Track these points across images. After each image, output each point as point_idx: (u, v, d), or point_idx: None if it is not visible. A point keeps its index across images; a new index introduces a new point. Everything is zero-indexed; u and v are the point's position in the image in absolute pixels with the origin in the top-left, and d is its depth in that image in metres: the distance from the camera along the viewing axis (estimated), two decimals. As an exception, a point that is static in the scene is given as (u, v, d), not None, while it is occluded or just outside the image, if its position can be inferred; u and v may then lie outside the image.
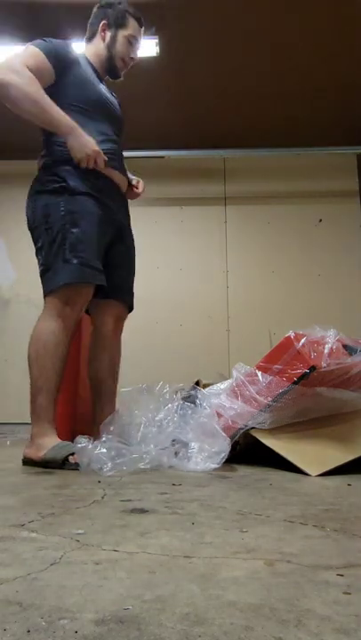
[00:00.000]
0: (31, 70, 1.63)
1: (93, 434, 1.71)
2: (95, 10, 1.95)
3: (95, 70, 1.89)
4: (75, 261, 1.63)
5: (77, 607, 0.52)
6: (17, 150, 3.98)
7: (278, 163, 4.04)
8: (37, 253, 1.73)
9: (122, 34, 1.89)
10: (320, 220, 3.98)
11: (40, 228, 1.69)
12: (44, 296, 1.69)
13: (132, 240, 1.98)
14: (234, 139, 3.82)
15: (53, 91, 1.70)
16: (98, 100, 1.81)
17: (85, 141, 1.67)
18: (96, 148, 1.69)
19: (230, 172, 4.09)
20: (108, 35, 1.89)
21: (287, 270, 3.90)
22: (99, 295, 1.82)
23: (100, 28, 1.90)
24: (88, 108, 1.77)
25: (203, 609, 0.51)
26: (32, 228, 1.74)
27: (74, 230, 1.65)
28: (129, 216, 1.97)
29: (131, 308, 1.97)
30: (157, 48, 2.85)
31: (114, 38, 1.89)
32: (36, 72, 1.65)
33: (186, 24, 2.81)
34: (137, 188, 2.01)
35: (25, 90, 1.60)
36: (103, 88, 1.89)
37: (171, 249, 3.96)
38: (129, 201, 2.01)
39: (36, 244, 1.73)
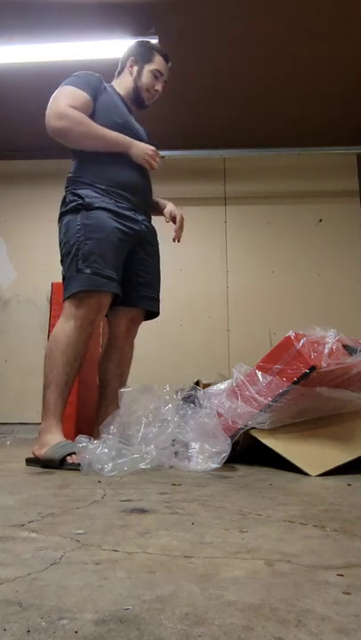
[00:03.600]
0: (77, 109, 1.81)
1: (95, 432, 1.72)
2: (127, 49, 2.11)
3: (123, 101, 2.03)
4: (87, 271, 1.75)
5: (77, 607, 0.52)
6: (19, 150, 3.99)
7: (278, 163, 4.04)
8: (62, 265, 1.86)
9: (148, 68, 2.04)
10: (320, 220, 3.98)
11: (62, 244, 1.85)
12: (62, 301, 1.82)
13: (157, 250, 2.08)
14: (234, 139, 3.82)
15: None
16: (124, 123, 1.94)
17: (143, 146, 1.89)
18: (151, 147, 1.90)
19: (230, 172, 4.09)
20: (135, 69, 2.05)
21: (287, 270, 3.90)
22: (134, 305, 1.96)
23: (128, 64, 2.06)
24: (114, 129, 1.89)
25: (203, 609, 0.51)
26: (59, 245, 1.87)
27: (87, 242, 1.77)
28: (153, 228, 2.05)
29: (154, 314, 2.05)
30: (157, 48, 2.85)
31: (140, 72, 2.04)
32: (81, 111, 1.83)
33: (186, 24, 2.81)
34: (174, 223, 2.09)
35: (78, 130, 1.80)
36: (132, 118, 2.03)
37: (171, 249, 3.95)
38: None
39: (61, 257, 1.86)
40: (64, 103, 1.81)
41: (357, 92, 3.37)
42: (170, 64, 2.10)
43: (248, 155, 3.98)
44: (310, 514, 0.95)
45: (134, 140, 1.89)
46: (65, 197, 1.89)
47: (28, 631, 0.46)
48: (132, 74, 2.05)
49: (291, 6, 2.67)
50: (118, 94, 2.02)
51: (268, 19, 2.76)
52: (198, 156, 3.98)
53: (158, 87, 2.07)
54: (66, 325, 1.74)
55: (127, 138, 1.88)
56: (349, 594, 0.56)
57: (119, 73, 2.10)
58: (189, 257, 3.94)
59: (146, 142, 2.01)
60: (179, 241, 2.06)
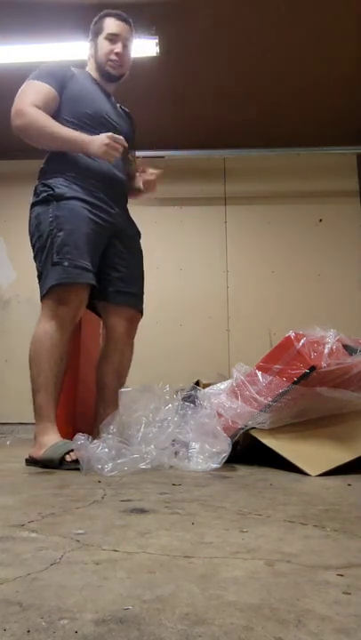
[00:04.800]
0: (40, 107, 1.75)
1: (94, 433, 1.71)
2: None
3: (100, 86, 1.95)
4: (64, 263, 1.69)
5: (77, 607, 0.52)
6: (18, 150, 3.98)
7: (278, 163, 4.04)
8: (34, 260, 1.80)
9: (101, 38, 1.94)
10: (320, 220, 3.98)
11: (34, 237, 1.78)
12: (40, 300, 1.75)
13: (138, 247, 2.04)
14: (234, 139, 3.82)
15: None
16: (94, 114, 1.86)
17: (99, 139, 1.73)
18: (108, 134, 1.73)
19: (230, 172, 4.09)
20: (92, 46, 1.97)
21: (287, 270, 3.90)
22: (101, 297, 1.89)
23: (89, 43, 1.98)
24: (82, 123, 1.82)
25: (203, 609, 0.51)
26: (30, 239, 1.82)
27: (60, 234, 1.71)
28: (132, 222, 2.01)
29: (137, 311, 2.00)
30: (157, 48, 2.84)
31: (95, 46, 1.96)
32: (45, 106, 1.77)
33: (186, 24, 2.81)
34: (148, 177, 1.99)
35: (35, 129, 1.73)
36: (107, 103, 1.94)
37: (171, 249, 3.95)
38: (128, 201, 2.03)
39: (33, 252, 1.80)
40: (26, 101, 1.76)
41: (358, 91, 3.37)
42: (130, 23, 1.94)
43: (248, 155, 3.98)
44: (310, 514, 0.95)
45: (90, 137, 1.74)
46: (36, 188, 1.82)
47: (28, 631, 0.46)
48: (92, 55, 1.97)
49: (290, 6, 2.67)
50: (93, 79, 1.95)
51: (268, 18, 2.76)
52: (198, 156, 3.98)
53: (118, 49, 1.90)
54: (48, 326, 1.69)
55: (83, 136, 1.74)
56: (349, 594, 0.56)
57: (89, 58, 2.02)
58: (189, 257, 3.94)
59: (121, 129, 1.90)
60: (150, 190, 2.00)
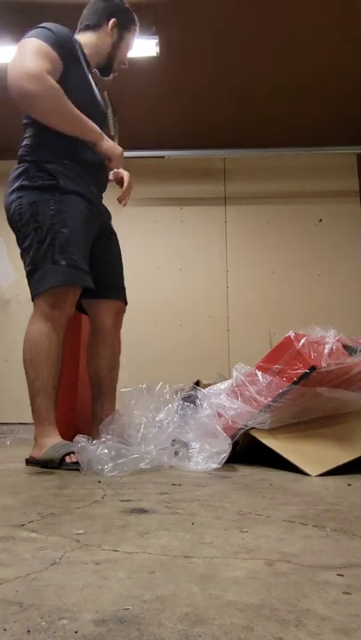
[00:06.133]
0: (49, 74, 1.54)
1: (93, 432, 1.71)
2: (104, 3, 1.86)
3: (86, 60, 1.79)
4: (64, 263, 1.60)
5: (77, 607, 0.52)
6: (17, 150, 3.98)
7: (278, 163, 4.04)
8: (24, 253, 1.68)
9: (127, 38, 1.87)
10: (320, 220, 3.98)
11: (28, 227, 1.63)
12: (33, 298, 1.67)
13: (117, 238, 1.96)
14: (234, 139, 3.82)
15: None
16: (91, 101, 1.78)
17: (112, 143, 1.72)
18: (120, 149, 1.74)
19: (230, 172, 4.09)
20: (116, 34, 1.84)
21: (287, 270, 3.90)
22: (91, 295, 1.81)
23: (110, 24, 1.82)
24: (83, 111, 1.70)
25: (203, 609, 0.51)
26: (18, 226, 1.67)
27: (63, 230, 1.61)
28: (110, 215, 1.95)
29: (125, 303, 1.97)
30: (157, 48, 2.85)
31: (120, 39, 1.85)
32: (53, 73, 1.56)
33: (186, 24, 2.81)
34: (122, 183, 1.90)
35: (50, 102, 1.55)
36: (93, 83, 1.83)
37: (171, 249, 3.95)
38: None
39: (22, 243, 1.68)
40: (41, 65, 1.52)
41: (358, 91, 3.37)
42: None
43: (248, 155, 3.98)
44: (310, 514, 0.95)
45: (103, 134, 1.71)
46: (26, 169, 1.65)
47: (28, 631, 0.46)
48: (111, 37, 1.82)
49: (291, 6, 2.67)
50: (88, 63, 1.77)
51: (268, 18, 2.76)
52: (198, 156, 3.98)
53: (127, 63, 1.88)
54: (44, 327, 1.62)
55: (97, 127, 1.69)
56: (349, 594, 0.56)
57: (92, 27, 1.83)
58: (189, 257, 3.94)
59: (104, 112, 1.89)
60: (124, 205, 1.87)
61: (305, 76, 3.22)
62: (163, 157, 3.88)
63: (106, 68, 1.89)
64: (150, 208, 3.95)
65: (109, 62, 1.87)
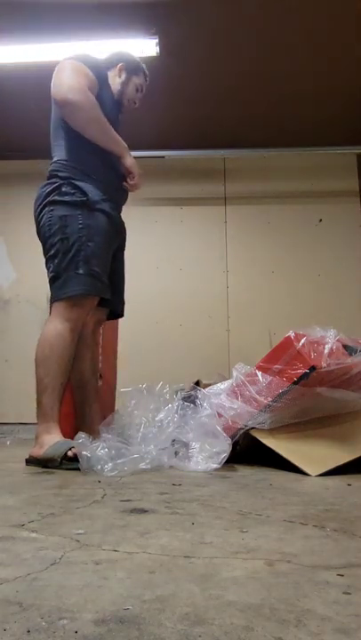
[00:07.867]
0: (89, 89, 1.76)
1: (87, 433, 1.73)
2: (113, 52, 2.08)
3: (116, 105, 2.01)
4: (87, 274, 1.73)
5: (77, 607, 0.52)
6: (19, 150, 3.98)
7: (278, 163, 4.04)
8: (49, 261, 1.78)
9: (134, 80, 2.04)
10: (320, 220, 3.98)
11: (55, 237, 1.75)
12: (53, 301, 1.77)
13: (123, 255, 2.06)
14: (234, 139, 3.82)
15: None
16: (113, 122, 1.90)
17: (135, 161, 1.88)
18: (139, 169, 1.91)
19: (230, 172, 4.09)
20: (124, 75, 2.03)
21: (287, 270, 3.90)
22: (107, 306, 1.95)
23: (117, 67, 2.02)
24: None
25: (203, 609, 0.51)
26: (46, 237, 1.79)
27: (90, 244, 1.74)
28: (125, 230, 2.04)
29: (121, 315, 2.07)
30: (157, 48, 2.84)
31: (127, 80, 2.03)
32: (92, 90, 1.78)
33: (186, 24, 2.81)
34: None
35: (91, 115, 1.76)
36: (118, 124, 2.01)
37: (171, 249, 3.95)
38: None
39: (48, 251, 1.78)
40: (82, 82, 1.75)
41: (357, 91, 3.37)
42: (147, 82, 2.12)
43: (248, 155, 3.98)
44: (310, 514, 0.95)
45: (128, 149, 1.89)
46: (59, 186, 1.77)
47: (28, 631, 0.46)
48: (120, 77, 2.02)
49: (291, 5, 2.67)
50: (113, 97, 1.99)
51: (268, 18, 2.76)
52: (198, 156, 3.98)
53: (137, 102, 2.08)
54: (61, 327, 1.71)
55: (123, 142, 1.88)
56: (349, 594, 0.56)
57: (107, 69, 2.04)
58: (189, 257, 3.94)
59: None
60: (133, 190, 1.97)
61: (305, 75, 3.22)
62: (163, 157, 3.88)
63: (119, 102, 2.04)
64: (150, 208, 3.95)
65: (120, 99, 2.03)
